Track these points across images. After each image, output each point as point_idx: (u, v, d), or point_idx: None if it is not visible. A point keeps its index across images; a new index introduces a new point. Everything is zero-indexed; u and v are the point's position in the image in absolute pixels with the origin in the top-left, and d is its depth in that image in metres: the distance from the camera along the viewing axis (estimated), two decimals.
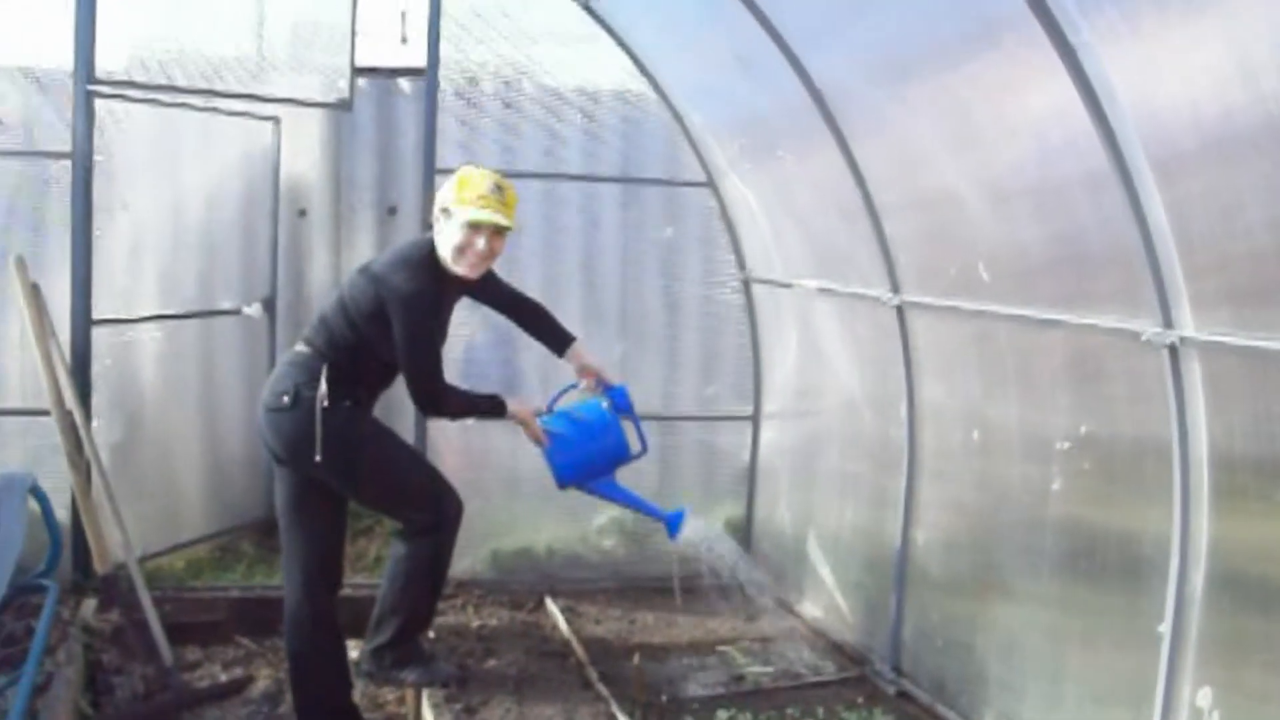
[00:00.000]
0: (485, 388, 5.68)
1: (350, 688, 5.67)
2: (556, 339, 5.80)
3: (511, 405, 5.47)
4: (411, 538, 5.44)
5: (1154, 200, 3.91)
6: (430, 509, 5.41)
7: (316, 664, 5.48)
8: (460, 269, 5.22)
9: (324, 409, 5.17)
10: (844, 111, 5.56)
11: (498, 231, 5.20)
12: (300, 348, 5.35)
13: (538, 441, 5.46)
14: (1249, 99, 3.42)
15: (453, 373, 5.53)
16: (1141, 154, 3.89)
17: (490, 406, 5.46)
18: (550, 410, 5.65)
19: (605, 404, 5.62)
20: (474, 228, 5.14)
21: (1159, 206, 3.90)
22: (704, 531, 5.82)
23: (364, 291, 5.21)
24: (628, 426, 5.65)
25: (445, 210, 5.20)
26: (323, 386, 5.18)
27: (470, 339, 6.79)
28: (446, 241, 5.20)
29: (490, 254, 5.24)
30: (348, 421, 5.28)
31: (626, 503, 5.68)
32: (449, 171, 6.39)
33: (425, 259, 5.25)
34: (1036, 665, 4.90)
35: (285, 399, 5.21)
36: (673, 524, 5.61)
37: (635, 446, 5.66)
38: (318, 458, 5.16)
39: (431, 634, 6.01)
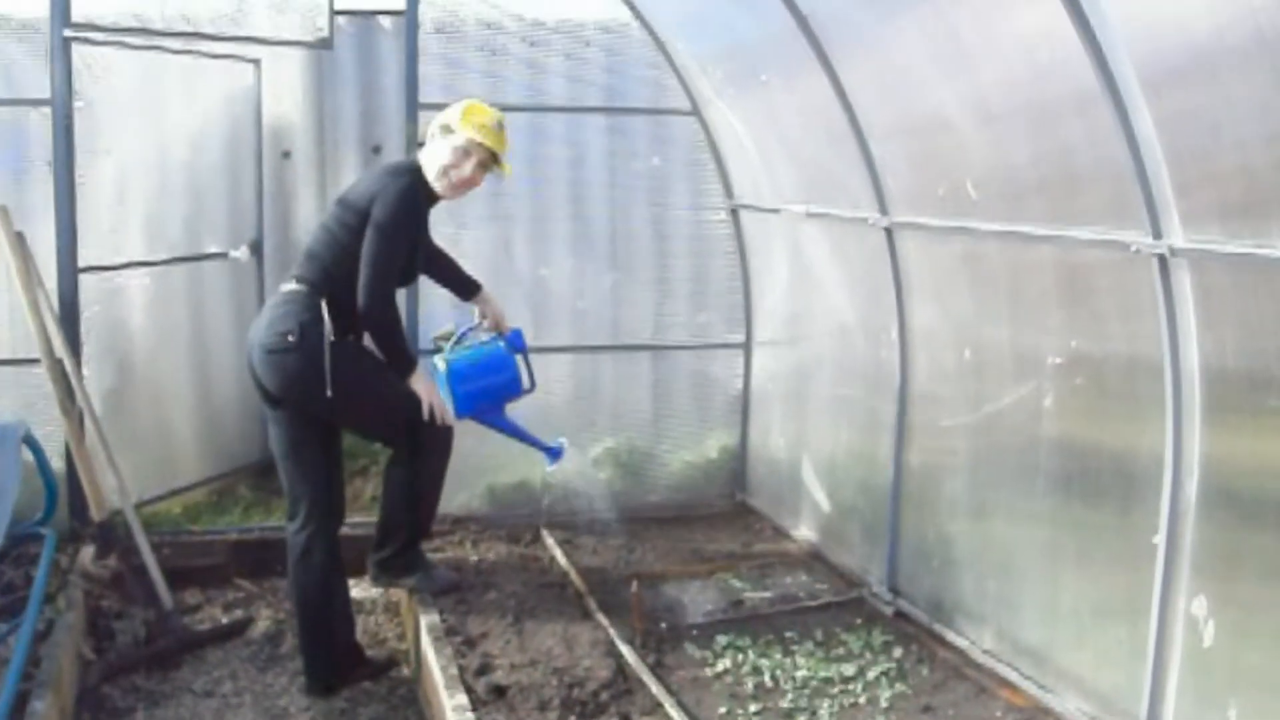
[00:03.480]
0: None
1: (353, 625, 5.78)
2: (464, 286, 6.00)
3: (419, 373, 5.56)
4: (409, 465, 5.62)
5: (1143, 117, 3.90)
6: (424, 433, 5.55)
7: (322, 600, 5.55)
8: (440, 186, 5.43)
9: (331, 344, 5.24)
10: (830, 35, 5.52)
11: (482, 164, 5.41)
12: (293, 286, 5.37)
13: (433, 414, 5.56)
14: (1239, 13, 3.41)
15: None
16: (1131, 70, 3.88)
17: (405, 355, 5.53)
18: (458, 343, 5.91)
19: (502, 344, 5.91)
20: (467, 151, 5.37)
21: (1148, 123, 3.89)
22: (580, 465, 6.26)
23: (352, 208, 5.34)
24: (522, 367, 5.99)
25: (446, 127, 5.41)
26: (327, 322, 5.25)
27: None
28: (435, 159, 5.41)
29: (472, 181, 5.46)
30: (354, 356, 5.41)
31: (514, 434, 6.00)
32: (432, 107, 6.40)
33: (411, 173, 5.42)
34: (1032, 582, 4.94)
35: (290, 338, 5.24)
36: (553, 454, 5.95)
37: (526, 384, 5.96)
38: (329, 393, 5.22)
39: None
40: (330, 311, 5.27)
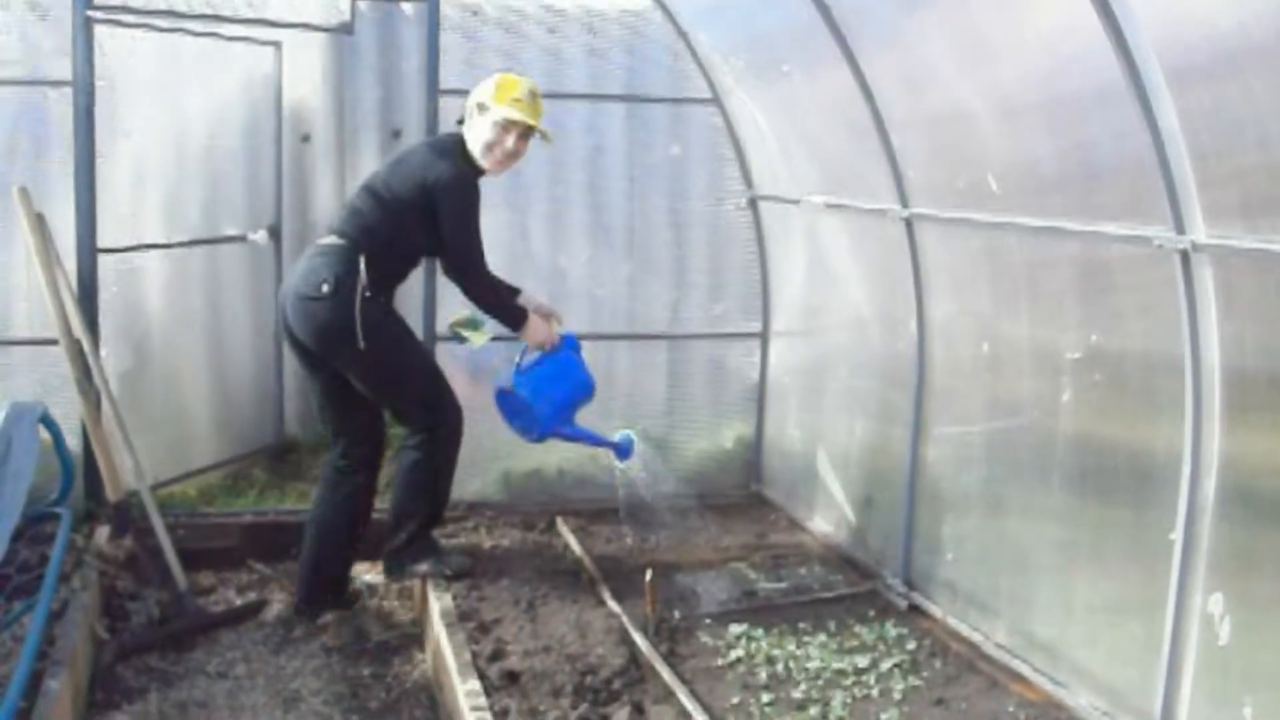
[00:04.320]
0: None
1: (350, 565, 6.09)
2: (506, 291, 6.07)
3: (532, 323, 5.80)
4: (419, 444, 5.78)
5: (1167, 111, 3.88)
6: (440, 410, 5.78)
7: (336, 529, 5.90)
8: (487, 164, 5.66)
9: (364, 299, 5.43)
10: (852, 26, 5.50)
11: (524, 135, 5.64)
12: (332, 239, 5.57)
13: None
14: (1264, 8, 3.39)
15: None
16: (1156, 64, 3.86)
17: (516, 310, 5.80)
18: (518, 370, 5.92)
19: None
20: (506, 127, 5.59)
21: (1172, 117, 3.87)
22: (648, 454, 6.24)
23: (404, 180, 5.55)
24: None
25: (481, 105, 5.62)
26: (363, 277, 5.44)
27: None
28: (478, 137, 5.62)
29: (516, 153, 5.69)
30: (384, 315, 5.61)
31: (586, 439, 6.10)
32: (453, 93, 6.43)
33: (458, 151, 5.66)
34: (1047, 577, 4.93)
35: (325, 287, 5.43)
36: (622, 451, 6.05)
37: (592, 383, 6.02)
38: (361, 344, 5.41)
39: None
40: (367, 269, 5.46)
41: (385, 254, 5.56)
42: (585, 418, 6.07)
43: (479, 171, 5.67)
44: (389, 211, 5.56)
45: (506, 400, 5.90)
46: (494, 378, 6.02)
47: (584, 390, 5.95)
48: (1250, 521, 3.91)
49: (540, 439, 5.95)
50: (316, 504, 5.98)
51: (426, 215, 5.53)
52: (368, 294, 5.45)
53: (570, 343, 5.98)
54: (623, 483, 6.29)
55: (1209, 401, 3.99)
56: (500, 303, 5.80)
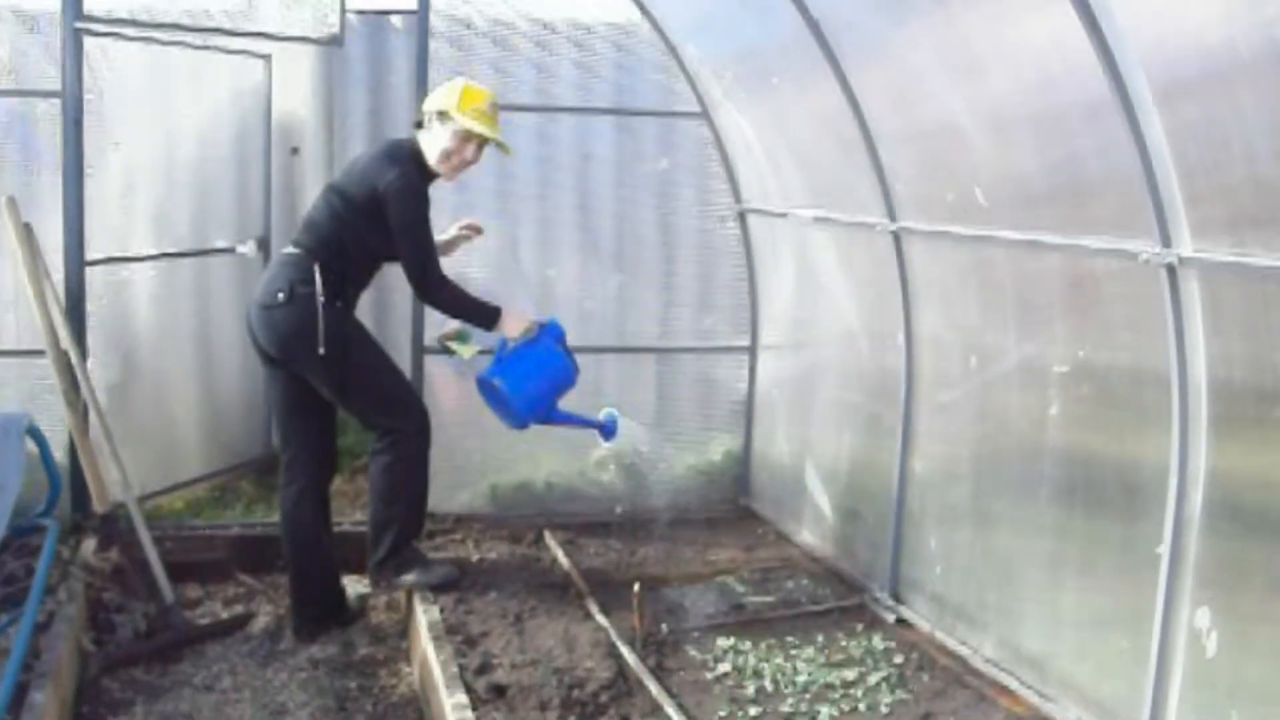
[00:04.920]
0: None
1: (336, 576, 6.13)
2: None
3: (506, 312, 5.80)
4: (389, 450, 5.79)
5: (1155, 126, 3.88)
6: (407, 415, 5.82)
7: (314, 544, 5.94)
8: (443, 170, 5.72)
9: (323, 305, 5.51)
10: (841, 40, 5.52)
11: (481, 145, 5.71)
12: (290, 249, 5.67)
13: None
14: (1252, 24, 3.40)
15: None
16: (1143, 80, 3.86)
17: (484, 308, 5.79)
18: (498, 360, 5.89)
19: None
20: (466, 137, 5.65)
21: (1160, 132, 3.87)
22: (632, 428, 6.25)
23: (357, 186, 5.60)
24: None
25: (443, 114, 5.64)
26: (318, 283, 5.51)
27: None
28: (436, 144, 5.67)
29: (472, 162, 5.77)
30: (342, 320, 5.65)
31: (570, 422, 6.07)
32: None
33: (410, 157, 5.68)
34: (1035, 590, 4.93)
35: (280, 295, 5.53)
36: (607, 430, 6.06)
37: (575, 371, 5.97)
38: (321, 350, 5.49)
39: None
40: (323, 274, 5.53)
41: (339, 261, 5.62)
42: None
43: (430, 176, 5.72)
44: (341, 219, 5.62)
45: (487, 391, 5.90)
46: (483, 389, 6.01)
47: (564, 378, 5.92)
48: (1237, 535, 3.91)
49: (521, 428, 5.95)
50: (281, 522, 6.03)
51: (378, 221, 5.57)
52: (323, 300, 5.51)
53: (553, 331, 5.93)
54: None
55: (1195, 415, 4.00)
56: (465, 303, 5.79)
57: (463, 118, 5.59)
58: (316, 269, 5.54)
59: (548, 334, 5.91)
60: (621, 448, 7.09)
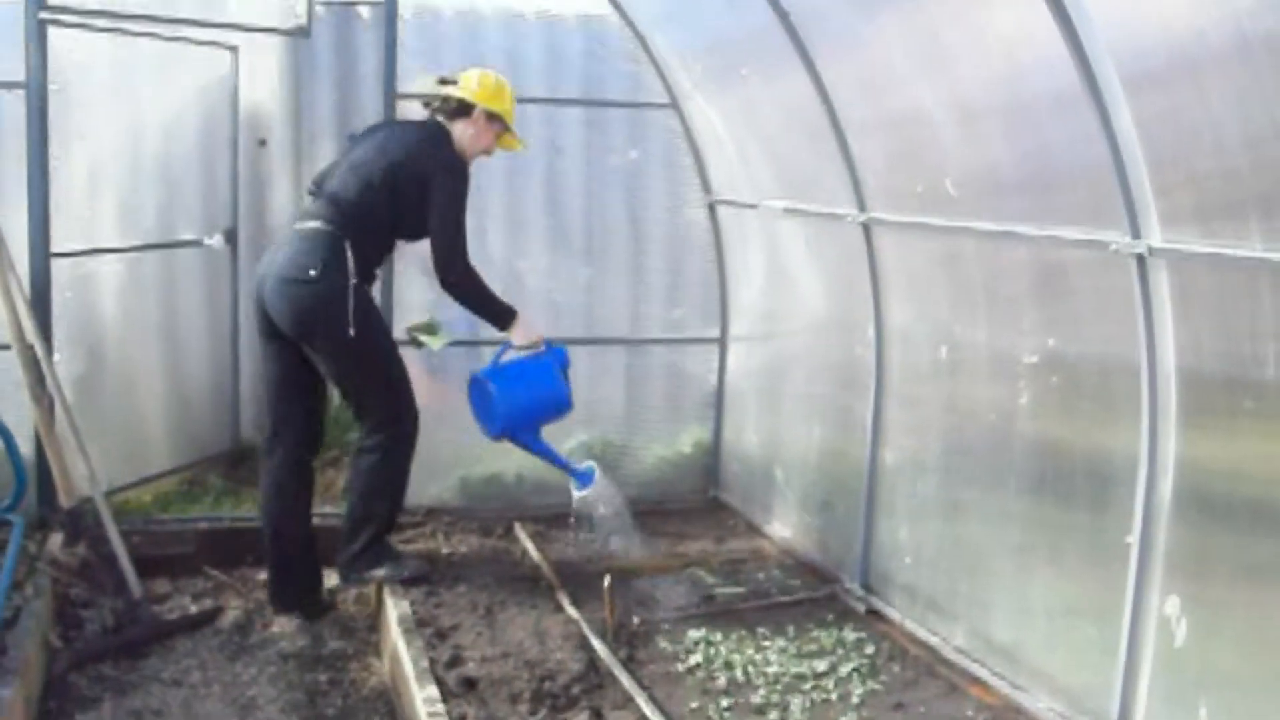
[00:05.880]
0: None
1: (313, 556, 6.07)
2: None
3: (520, 317, 5.86)
4: (377, 445, 5.77)
5: (1124, 117, 3.90)
6: (405, 409, 5.81)
7: (294, 523, 5.94)
8: (469, 157, 5.84)
9: (354, 285, 5.50)
10: (810, 31, 5.52)
11: (499, 134, 5.94)
12: (317, 225, 5.59)
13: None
14: (1221, 15, 3.42)
15: None
16: (1113, 71, 3.88)
17: (503, 307, 5.83)
18: (496, 364, 5.92)
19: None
20: (499, 133, 5.91)
21: (1129, 123, 3.89)
22: (608, 491, 6.13)
23: (401, 166, 5.64)
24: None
25: (490, 113, 5.83)
26: (350, 262, 5.50)
27: None
28: (479, 137, 5.86)
29: (491, 149, 5.98)
30: (370, 304, 5.68)
31: (546, 456, 6.03)
32: (410, 97, 6.37)
33: (449, 143, 5.81)
34: (1005, 580, 4.94)
35: (311, 272, 5.46)
36: (583, 479, 5.99)
37: (569, 403, 6.00)
38: (351, 331, 5.45)
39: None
40: (353, 255, 5.53)
41: (367, 241, 5.62)
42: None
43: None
44: (373, 195, 5.60)
45: (476, 390, 5.89)
46: (452, 382, 5.99)
47: (556, 402, 5.94)
48: (1206, 524, 3.93)
49: (497, 438, 5.94)
50: (260, 500, 6.05)
51: (414, 200, 5.62)
52: (354, 281, 5.52)
53: (559, 355, 5.98)
54: (579, 507, 6.20)
55: (1165, 405, 4.01)
56: (485, 295, 5.81)
57: (503, 112, 5.84)
58: (348, 246, 5.52)
59: (553, 354, 5.95)
60: (591, 439, 7.11)
